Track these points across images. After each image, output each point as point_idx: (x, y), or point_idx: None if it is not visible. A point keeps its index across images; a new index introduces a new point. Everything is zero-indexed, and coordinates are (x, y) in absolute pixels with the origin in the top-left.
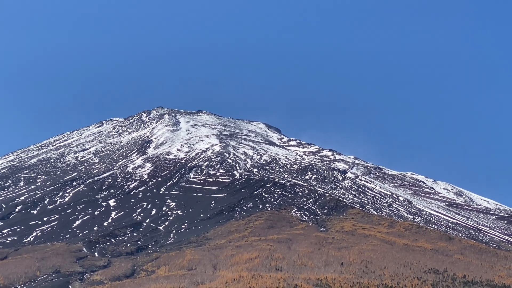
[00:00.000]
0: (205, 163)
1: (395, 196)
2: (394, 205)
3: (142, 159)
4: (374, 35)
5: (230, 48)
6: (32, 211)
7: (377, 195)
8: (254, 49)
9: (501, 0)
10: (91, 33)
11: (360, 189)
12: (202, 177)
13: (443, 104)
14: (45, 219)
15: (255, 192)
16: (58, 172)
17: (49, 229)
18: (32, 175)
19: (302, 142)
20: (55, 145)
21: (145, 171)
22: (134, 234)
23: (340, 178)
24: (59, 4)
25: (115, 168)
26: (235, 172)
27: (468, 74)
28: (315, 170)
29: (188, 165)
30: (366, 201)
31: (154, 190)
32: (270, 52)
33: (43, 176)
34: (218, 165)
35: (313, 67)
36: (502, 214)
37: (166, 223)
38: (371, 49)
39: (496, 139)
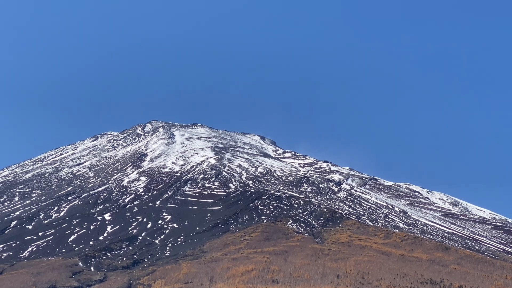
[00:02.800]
0: (200, 176)
1: (391, 207)
2: (389, 216)
3: (137, 173)
4: (365, 49)
5: (223, 62)
6: (27, 226)
7: (373, 206)
8: (247, 63)
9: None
10: (85, 48)
11: (355, 200)
12: (198, 190)
13: (438, 115)
14: (40, 234)
15: (251, 205)
16: (53, 187)
17: (45, 244)
18: (27, 190)
19: (297, 154)
20: (50, 159)
21: (140, 184)
22: (130, 248)
23: (336, 189)
24: (51, 21)
25: (110, 182)
26: (230, 184)
27: (460, 86)
28: (310, 181)
29: (183, 178)
30: (361, 212)
31: (150, 204)
32: (264, 65)
33: (38, 191)
34: (213, 178)
35: (308, 80)
36: (497, 223)
37: (162, 237)
38: (365, 63)
39: (491, 149)
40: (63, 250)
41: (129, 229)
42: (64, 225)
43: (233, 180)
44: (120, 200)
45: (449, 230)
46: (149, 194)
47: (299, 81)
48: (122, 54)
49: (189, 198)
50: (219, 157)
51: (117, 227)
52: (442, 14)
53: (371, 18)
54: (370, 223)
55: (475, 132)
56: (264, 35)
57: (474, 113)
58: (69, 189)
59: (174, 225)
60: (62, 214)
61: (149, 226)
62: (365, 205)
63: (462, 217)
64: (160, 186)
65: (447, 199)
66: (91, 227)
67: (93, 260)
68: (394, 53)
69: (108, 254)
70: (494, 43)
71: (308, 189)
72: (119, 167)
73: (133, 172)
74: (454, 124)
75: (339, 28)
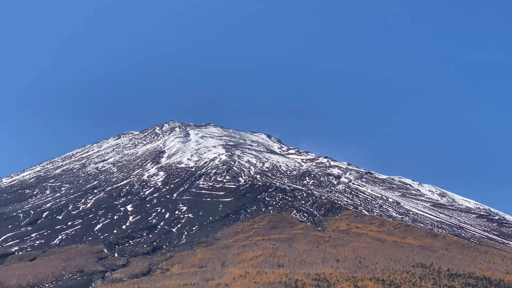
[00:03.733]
0: (213, 171)
1: (385, 198)
2: (384, 206)
3: (156, 168)
4: (363, 53)
5: (234, 66)
6: (57, 217)
7: (369, 197)
8: (256, 67)
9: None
10: (111, 57)
11: (353, 192)
12: (211, 184)
13: (427, 114)
14: (69, 223)
15: (258, 196)
16: (81, 181)
17: (73, 232)
18: (57, 184)
19: (300, 151)
20: (77, 156)
21: (159, 178)
22: (150, 235)
23: (335, 182)
24: (74, 28)
25: (131, 176)
26: (240, 178)
27: (449, 86)
28: (312, 175)
29: (198, 173)
30: (358, 203)
31: (167, 196)
32: (272, 68)
33: (67, 185)
34: (225, 173)
35: (311, 83)
36: (482, 213)
37: (179, 226)
38: (362, 67)
39: (477, 145)
40: (90, 238)
41: (149, 219)
42: (91, 216)
43: (242, 174)
44: (141, 193)
45: (438, 219)
46: (167, 187)
47: (302, 84)
48: (144, 61)
49: (202, 191)
50: (230, 153)
51: (138, 217)
52: (433, 17)
53: (366, 23)
54: (366, 212)
55: (463, 130)
56: (271, 41)
57: (461, 111)
58: (94, 183)
59: (190, 215)
60: (88, 205)
61: (167, 216)
62: (361, 196)
63: (450, 207)
64: (177, 180)
65: (436, 191)
66: (115, 217)
67: (116, 247)
68: (390, 57)
69: (130, 241)
70: (474, 40)
71: (310, 182)
72: (140, 163)
73: (152, 167)
74: (443, 122)
75: (336, 33)
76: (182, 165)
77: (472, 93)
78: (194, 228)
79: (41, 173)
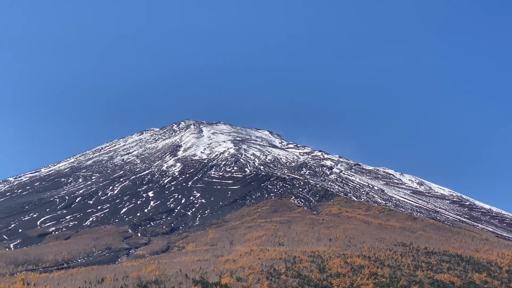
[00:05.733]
0: (223, 162)
1: (371, 186)
2: (370, 193)
3: (173, 160)
4: (356, 55)
5: (242, 71)
6: (88, 202)
7: (357, 185)
8: (261, 72)
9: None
10: (135, 66)
11: (343, 181)
12: (221, 173)
13: (409, 113)
14: (99, 207)
15: (262, 185)
16: (109, 171)
17: (102, 215)
18: (88, 173)
19: (298, 145)
20: (106, 149)
21: (176, 169)
22: (168, 218)
23: (328, 172)
24: (101, 29)
25: (152, 167)
26: (246, 169)
27: (430, 85)
28: (308, 166)
29: (209, 164)
30: (348, 190)
31: (183, 184)
32: (274, 73)
33: (97, 174)
34: (233, 164)
35: (310, 86)
36: (454, 199)
37: (193, 210)
38: (354, 70)
39: (450, 139)
40: (116, 220)
41: (168, 203)
42: (117, 201)
43: (248, 165)
44: (161, 181)
45: (417, 204)
46: (183, 176)
47: (302, 87)
48: (164, 69)
49: (214, 180)
50: (237, 147)
51: (158, 202)
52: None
53: (359, 30)
54: (355, 199)
55: (439, 127)
56: (275, 50)
57: (439, 110)
58: (121, 172)
59: (202, 200)
60: (115, 192)
61: (183, 201)
62: (351, 184)
63: (427, 194)
64: (191, 170)
65: (415, 180)
66: (138, 202)
67: (139, 227)
68: (380, 60)
69: (151, 223)
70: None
71: (307, 173)
72: (160, 156)
73: (170, 159)
74: (422, 120)
75: (331, 39)
76: (196, 158)
77: (450, 93)
78: (206, 212)
79: (75, 164)
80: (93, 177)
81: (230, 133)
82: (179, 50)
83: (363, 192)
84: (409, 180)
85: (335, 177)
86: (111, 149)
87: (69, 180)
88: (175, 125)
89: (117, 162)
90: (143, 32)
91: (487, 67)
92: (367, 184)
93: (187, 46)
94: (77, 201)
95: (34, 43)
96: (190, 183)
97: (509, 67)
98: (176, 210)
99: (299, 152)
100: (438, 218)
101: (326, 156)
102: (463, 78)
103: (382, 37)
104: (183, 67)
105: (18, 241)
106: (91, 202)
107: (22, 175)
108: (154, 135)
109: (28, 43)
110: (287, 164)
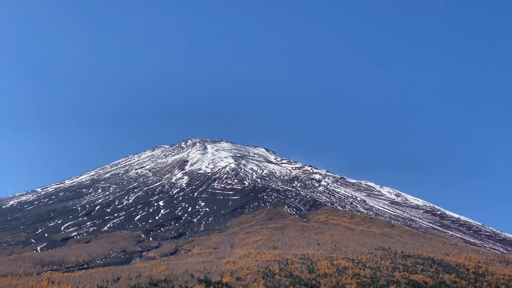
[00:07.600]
0: (225, 176)
1: (354, 197)
2: (353, 203)
3: (181, 173)
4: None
5: (242, 94)
6: (106, 210)
7: (342, 196)
8: (259, 94)
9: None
10: (150, 87)
11: (330, 193)
12: (222, 185)
13: (388, 130)
14: (115, 214)
15: (259, 195)
16: (124, 183)
17: (118, 221)
18: (107, 185)
19: (291, 161)
20: (122, 164)
21: (183, 181)
22: (176, 224)
23: (317, 185)
24: (127, 55)
25: (163, 179)
26: (245, 181)
27: (411, 101)
28: (299, 179)
29: (213, 177)
30: (334, 201)
31: (190, 194)
32: (271, 96)
33: (114, 186)
34: (233, 177)
35: (301, 108)
36: (427, 209)
37: (198, 217)
38: (339, 89)
39: (424, 156)
40: (131, 226)
41: (176, 211)
42: (132, 209)
43: (247, 178)
44: (170, 192)
45: (394, 213)
46: (190, 188)
47: (295, 110)
48: (174, 91)
49: (216, 191)
50: (237, 163)
51: (167, 210)
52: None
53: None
54: (340, 208)
55: (415, 144)
56: (271, 73)
57: (415, 126)
58: (135, 184)
59: (206, 209)
60: (130, 201)
61: (189, 210)
62: (336, 196)
63: (403, 204)
64: (197, 182)
65: (393, 192)
66: (150, 210)
67: (151, 232)
68: (366, 75)
69: (161, 228)
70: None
71: (298, 185)
72: (169, 170)
73: (178, 173)
74: (398, 136)
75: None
76: (201, 171)
77: (433, 109)
78: (210, 219)
79: (95, 177)
80: (111, 188)
81: (231, 150)
82: (189, 82)
83: (347, 202)
84: (387, 192)
85: (323, 189)
86: (127, 163)
87: (90, 191)
88: (183, 143)
89: (132, 175)
90: (156, 52)
91: (453, 86)
92: (351, 195)
93: (197, 79)
94: (96, 209)
95: (64, 67)
96: (196, 193)
97: (475, 85)
98: (184, 218)
99: (292, 167)
100: (413, 225)
101: (315, 170)
102: (446, 92)
103: (373, 62)
104: (192, 92)
105: (44, 244)
106: (108, 210)
107: (48, 186)
108: (165, 151)
109: (56, 66)
110: (281, 177)
